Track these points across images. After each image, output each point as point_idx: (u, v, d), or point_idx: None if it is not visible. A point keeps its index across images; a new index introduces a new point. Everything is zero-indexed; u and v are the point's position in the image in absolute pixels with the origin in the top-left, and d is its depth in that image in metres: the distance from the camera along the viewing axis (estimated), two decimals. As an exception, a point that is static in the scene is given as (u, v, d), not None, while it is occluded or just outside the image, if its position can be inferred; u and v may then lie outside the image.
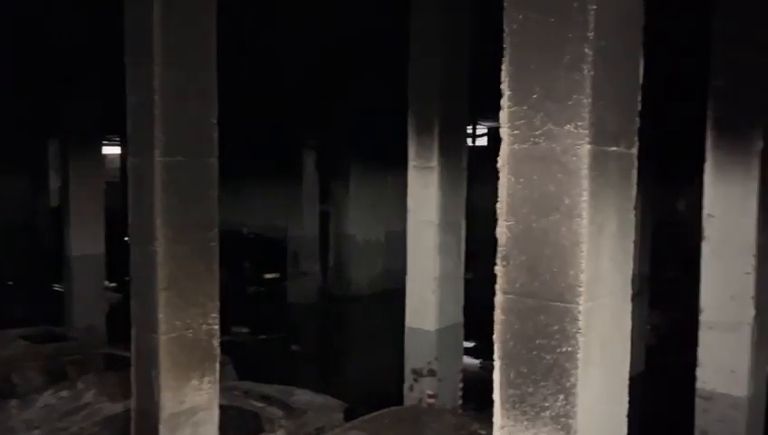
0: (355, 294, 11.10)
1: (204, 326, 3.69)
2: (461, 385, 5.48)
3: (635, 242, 2.14)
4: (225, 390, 4.22)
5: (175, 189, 3.55)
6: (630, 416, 2.16)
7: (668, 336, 8.39)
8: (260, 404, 4.62)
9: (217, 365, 3.77)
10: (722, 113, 4.06)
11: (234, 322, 8.76)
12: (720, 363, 4.03)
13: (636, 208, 2.13)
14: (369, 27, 8.40)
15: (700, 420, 4.10)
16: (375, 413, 4.30)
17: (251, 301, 10.87)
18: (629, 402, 2.15)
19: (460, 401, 5.47)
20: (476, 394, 4.48)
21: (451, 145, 5.26)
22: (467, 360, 6.48)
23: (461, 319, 5.46)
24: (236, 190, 11.64)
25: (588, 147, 1.86)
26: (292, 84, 10.11)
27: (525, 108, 1.95)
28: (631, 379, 2.16)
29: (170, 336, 3.53)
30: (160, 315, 3.50)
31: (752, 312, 3.96)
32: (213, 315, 3.73)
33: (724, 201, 4.03)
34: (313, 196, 10.76)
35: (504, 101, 2.00)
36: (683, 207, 10.33)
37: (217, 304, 3.76)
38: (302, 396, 4.98)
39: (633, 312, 2.16)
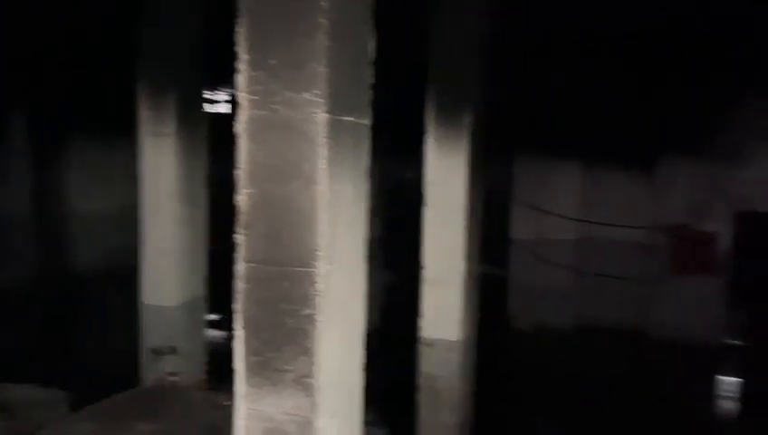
0: (81, 274, 9.98)
1: None
2: (206, 360, 5.34)
3: (369, 208, 2.29)
4: None
5: None
6: (366, 368, 2.33)
7: (399, 293, 9.30)
8: (-40, 410, 3.91)
9: None
10: (439, 93, 4.56)
11: None
12: (438, 313, 4.60)
13: (370, 176, 2.27)
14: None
15: (424, 365, 4.65)
16: (106, 399, 3.96)
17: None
18: (366, 356, 2.32)
19: (205, 377, 5.34)
20: (222, 368, 4.42)
21: (189, 111, 5.00)
22: (212, 333, 6.33)
23: (203, 292, 5.30)
24: None
25: (324, 115, 1.91)
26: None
27: (263, 73, 1.93)
28: (368, 335, 2.33)
29: None
30: None
31: (462, 266, 4.58)
32: None
33: (441, 170, 4.56)
34: (24, 165, 9.32)
35: (242, 66, 1.94)
36: (410, 176, 11.43)
37: None
38: (17, 392, 4.36)
39: (368, 273, 2.32)
